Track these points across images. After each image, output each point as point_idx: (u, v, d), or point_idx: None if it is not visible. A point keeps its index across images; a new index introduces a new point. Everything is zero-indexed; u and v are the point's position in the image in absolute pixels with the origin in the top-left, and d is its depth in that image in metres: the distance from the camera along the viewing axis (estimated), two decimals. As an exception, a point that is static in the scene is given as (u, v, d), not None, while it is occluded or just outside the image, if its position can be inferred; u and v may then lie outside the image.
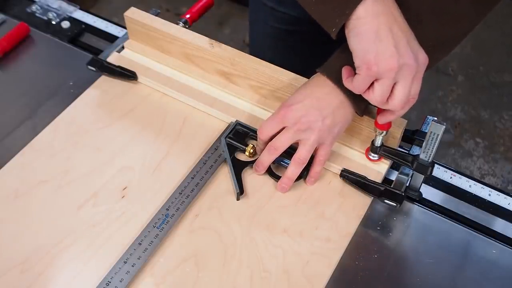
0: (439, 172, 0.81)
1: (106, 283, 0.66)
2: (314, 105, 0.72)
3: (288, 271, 0.69)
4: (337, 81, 0.71)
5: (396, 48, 0.62)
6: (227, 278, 0.68)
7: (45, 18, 1.01)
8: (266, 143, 0.76)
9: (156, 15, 0.91)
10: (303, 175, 0.76)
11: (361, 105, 0.73)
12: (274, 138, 0.75)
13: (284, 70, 0.81)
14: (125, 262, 0.68)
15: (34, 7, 1.02)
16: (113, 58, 0.92)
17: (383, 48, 0.62)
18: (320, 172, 0.77)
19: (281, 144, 0.74)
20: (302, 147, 0.74)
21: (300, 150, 0.74)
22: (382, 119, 0.71)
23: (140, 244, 0.69)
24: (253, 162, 0.78)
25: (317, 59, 1.14)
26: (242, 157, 0.79)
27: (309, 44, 1.08)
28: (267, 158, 0.76)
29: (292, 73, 0.81)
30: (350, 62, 0.66)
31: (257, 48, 1.15)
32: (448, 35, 0.73)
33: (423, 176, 0.74)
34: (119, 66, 0.89)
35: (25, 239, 0.71)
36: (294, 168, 0.75)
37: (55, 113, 0.85)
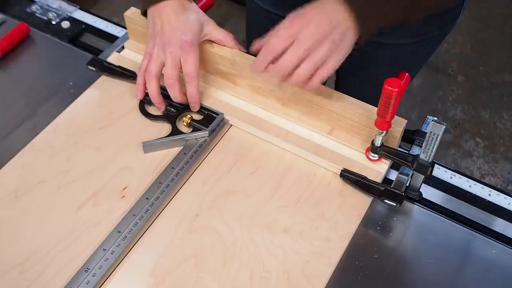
0: (439, 172, 0.81)
1: (85, 270, 0.67)
2: (323, 19, 0.70)
3: (288, 271, 0.69)
4: None
5: None
6: (227, 278, 0.68)
7: (45, 18, 1.01)
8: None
9: (156, 15, 0.91)
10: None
11: (369, 28, 0.71)
12: (284, 57, 0.71)
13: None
14: (104, 250, 0.69)
15: (34, 7, 1.02)
16: (113, 58, 0.92)
17: None
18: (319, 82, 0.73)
19: (291, 64, 0.71)
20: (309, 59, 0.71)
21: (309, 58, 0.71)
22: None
23: (119, 232, 0.70)
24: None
25: None
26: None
27: None
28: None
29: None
30: None
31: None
32: None
33: (423, 176, 0.74)
34: (119, 66, 0.89)
35: (25, 239, 0.71)
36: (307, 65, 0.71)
37: (55, 113, 0.85)
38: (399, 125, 0.76)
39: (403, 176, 0.78)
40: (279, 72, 0.72)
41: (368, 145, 0.78)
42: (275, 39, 0.72)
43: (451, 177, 0.81)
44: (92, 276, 0.66)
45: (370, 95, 0.78)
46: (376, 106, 0.71)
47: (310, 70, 0.71)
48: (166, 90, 0.82)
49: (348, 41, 0.71)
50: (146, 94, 0.84)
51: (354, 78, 1.12)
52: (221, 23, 2.35)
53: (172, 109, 0.84)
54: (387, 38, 0.96)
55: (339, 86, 1.20)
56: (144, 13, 0.83)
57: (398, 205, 0.74)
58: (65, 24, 1.00)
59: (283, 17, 1.02)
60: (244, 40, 1.86)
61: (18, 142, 0.81)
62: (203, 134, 0.81)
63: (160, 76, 0.81)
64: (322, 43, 0.70)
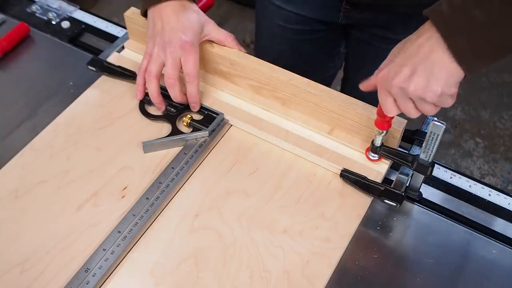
0: (439, 172, 0.81)
1: (85, 270, 0.67)
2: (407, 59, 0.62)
3: (288, 271, 0.69)
4: (445, 29, 0.58)
5: None
6: (227, 278, 0.68)
7: (45, 18, 1.01)
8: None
9: (156, 15, 0.91)
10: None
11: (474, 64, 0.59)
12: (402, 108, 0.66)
13: (283, 69, 0.81)
14: (104, 250, 0.69)
15: (34, 7, 1.02)
16: (113, 58, 0.92)
17: None
18: None
19: (393, 112, 0.66)
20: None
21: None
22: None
23: (119, 232, 0.70)
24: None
25: (324, 59, 1.14)
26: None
27: (316, 43, 1.08)
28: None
29: (291, 73, 0.81)
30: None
31: (263, 47, 1.15)
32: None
33: (423, 176, 0.74)
34: (119, 66, 0.89)
35: (25, 239, 0.71)
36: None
37: (55, 113, 0.85)
38: (399, 125, 0.76)
39: (403, 176, 0.78)
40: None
41: (368, 145, 0.78)
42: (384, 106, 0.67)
43: (451, 177, 0.81)
44: (92, 276, 0.66)
45: (377, 93, 0.77)
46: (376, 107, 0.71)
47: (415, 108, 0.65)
48: (166, 90, 0.82)
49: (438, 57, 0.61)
50: (146, 94, 0.84)
51: (362, 74, 1.12)
52: (221, 23, 2.35)
53: (172, 109, 0.84)
54: (398, 34, 0.96)
55: (346, 82, 1.20)
56: (144, 14, 0.83)
57: (398, 205, 0.74)
58: (65, 24, 1.00)
59: (294, 13, 1.02)
60: (245, 40, 1.86)
61: (18, 142, 0.81)
62: (203, 134, 0.81)
63: (160, 76, 0.81)
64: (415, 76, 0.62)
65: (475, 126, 2.05)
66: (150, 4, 0.80)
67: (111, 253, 0.68)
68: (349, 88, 1.17)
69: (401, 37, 0.96)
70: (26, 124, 0.84)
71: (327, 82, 1.19)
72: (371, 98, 0.77)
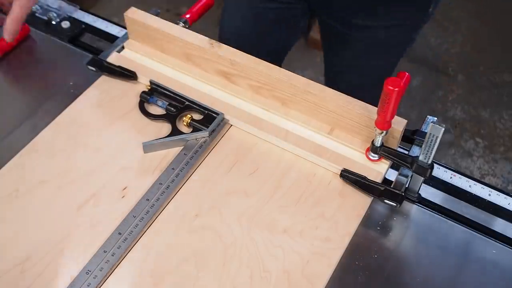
0: (439, 172, 0.81)
1: (86, 272, 0.67)
2: None
3: (288, 271, 0.69)
4: None
5: None
6: (227, 278, 0.68)
7: (45, 18, 1.01)
8: None
9: (156, 15, 0.91)
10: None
11: None
12: None
13: (283, 69, 0.81)
14: (105, 252, 0.69)
15: (34, 7, 1.02)
16: (113, 58, 0.92)
17: None
18: None
19: None
20: None
21: None
22: None
23: (120, 234, 0.70)
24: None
25: (295, 39, 1.17)
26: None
27: (280, 14, 1.10)
28: None
29: (291, 73, 0.81)
30: None
31: (228, 14, 1.18)
32: None
33: (423, 178, 0.74)
34: (119, 66, 0.89)
35: (25, 239, 0.71)
36: None
37: (55, 113, 0.85)
38: (399, 125, 0.76)
39: (403, 178, 0.78)
40: None
41: (368, 145, 0.78)
42: None
43: (451, 177, 0.81)
44: (93, 278, 0.66)
45: (376, 93, 0.78)
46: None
47: None
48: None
49: None
50: (146, 94, 0.84)
51: (340, 69, 1.13)
52: (221, 23, 2.34)
53: (172, 109, 0.84)
54: (367, 20, 0.98)
55: (329, 80, 1.22)
56: None
57: (398, 205, 0.74)
58: (65, 24, 1.00)
59: None
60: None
61: (18, 142, 0.81)
62: (203, 134, 0.81)
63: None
64: None
65: (475, 126, 2.05)
66: None
67: (112, 255, 0.68)
68: (336, 80, 1.19)
69: (369, 23, 1.01)
70: (26, 124, 0.84)
71: (279, 57, 1.21)
72: (371, 98, 0.77)
